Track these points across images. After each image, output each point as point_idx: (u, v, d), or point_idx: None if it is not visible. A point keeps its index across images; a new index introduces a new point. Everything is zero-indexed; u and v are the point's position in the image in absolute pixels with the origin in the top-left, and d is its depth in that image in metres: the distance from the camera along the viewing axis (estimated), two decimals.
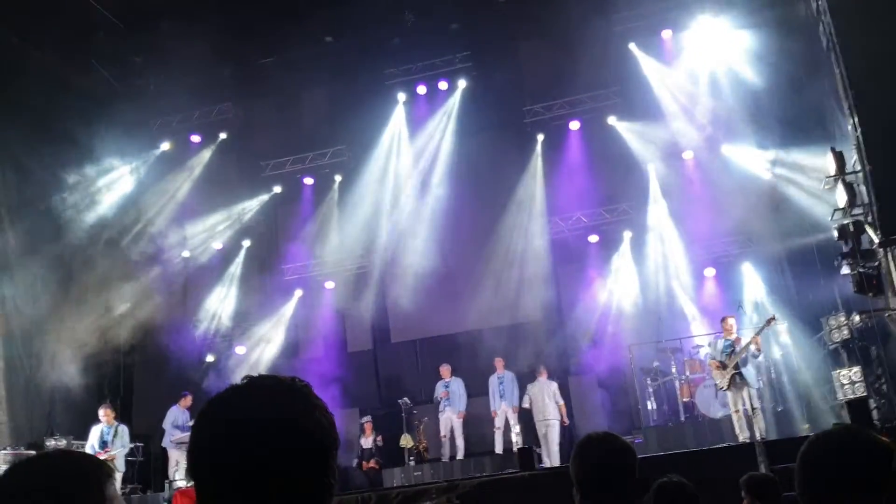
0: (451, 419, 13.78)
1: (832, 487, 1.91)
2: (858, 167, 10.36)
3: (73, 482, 1.60)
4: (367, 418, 14.28)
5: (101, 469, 1.68)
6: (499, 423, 13.67)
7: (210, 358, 16.70)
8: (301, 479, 1.29)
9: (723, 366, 10.47)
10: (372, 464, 13.58)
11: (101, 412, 12.13)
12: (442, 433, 13.82)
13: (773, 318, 10.87)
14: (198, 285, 16.87)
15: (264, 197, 17.51)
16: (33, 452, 10.24)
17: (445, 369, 14.23)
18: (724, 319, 11.00)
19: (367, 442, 13.92)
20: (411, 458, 13.55)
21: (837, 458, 1.95)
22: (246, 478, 1.26)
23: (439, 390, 14.07)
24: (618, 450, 2.62)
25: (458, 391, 13.99)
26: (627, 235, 15.82)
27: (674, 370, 13.39)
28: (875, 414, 10.81)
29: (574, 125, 16.28)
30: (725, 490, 5.11)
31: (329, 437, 1.36)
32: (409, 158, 16.64)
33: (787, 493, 3.61)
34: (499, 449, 13.45)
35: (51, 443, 12.90)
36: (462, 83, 16.70)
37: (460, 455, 13.55)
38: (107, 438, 11.70)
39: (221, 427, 1.31)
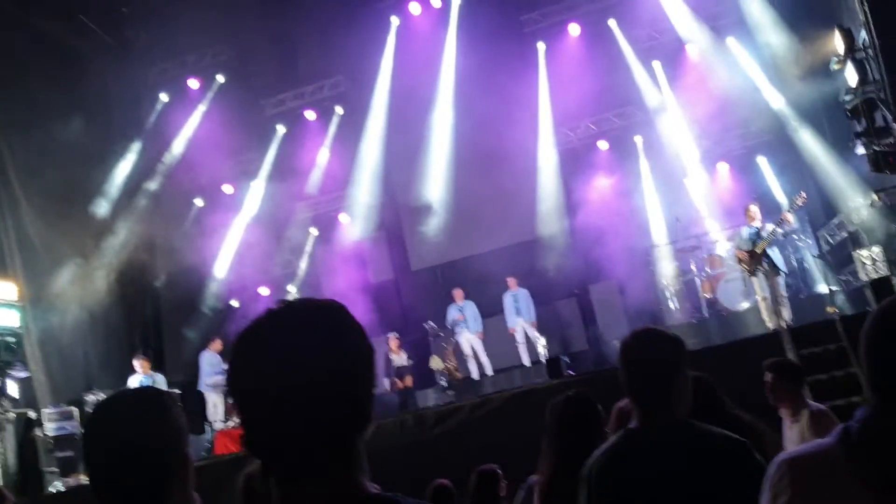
0: (470, 339, 13.91)
1: None
2: (867, 44, 10.11)
3: (157, 410, 1.69)
4: (393, 334, 14.00)
5: (170, 397, 1.79)
6: (519, 338, 13.82)
7: (234, 303, 16.89)
8: (341, 401, 1.28)
9: (750, 253, 10.43)
10: (408, 382, 13.41)
11: (137, 363, 12.40)
12: (466, 353, 14.00)
13: (804, 196, 10.69)
14: (214, 229, 16.90)
15: (271, 142, 17.38)
16: (75, 409, 10.55)
17: (458, 293, 14.30)
18: (747, 208, 10.90)
19: (398, 359, 13.68)
20: (442, 378, 13.77)
21: None
22: (285, 401, 1.25)
23: (453, 314, 14.15)
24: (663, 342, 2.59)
25: (473, 313, 14.08)
26: (639, 140, 15.66)
27: (693, 268, 13.41)
28: None
29: (574, 30, 15.94)
30: (754, 381, 5.13)
31: (368, 357, 1.34)
32: (408, 81, 16.38)
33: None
34: (525, 362, 13.65)
35: (90, 398, 13.21)
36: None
37: (489, 371, 13.76)
38: None
39: (260, 350, 1.30)
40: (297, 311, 1.35)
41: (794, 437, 4.73)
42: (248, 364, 1.30)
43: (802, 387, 5.03)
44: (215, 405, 13.15)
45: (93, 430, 1.69)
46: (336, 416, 1.26)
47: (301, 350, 1.26)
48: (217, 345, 13.91)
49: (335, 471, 1.26)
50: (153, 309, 16.49)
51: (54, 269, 13.99)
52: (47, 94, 14.22)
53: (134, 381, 12.15)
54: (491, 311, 14.33)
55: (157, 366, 13.65)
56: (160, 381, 12.27)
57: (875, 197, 10.92)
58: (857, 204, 11.74)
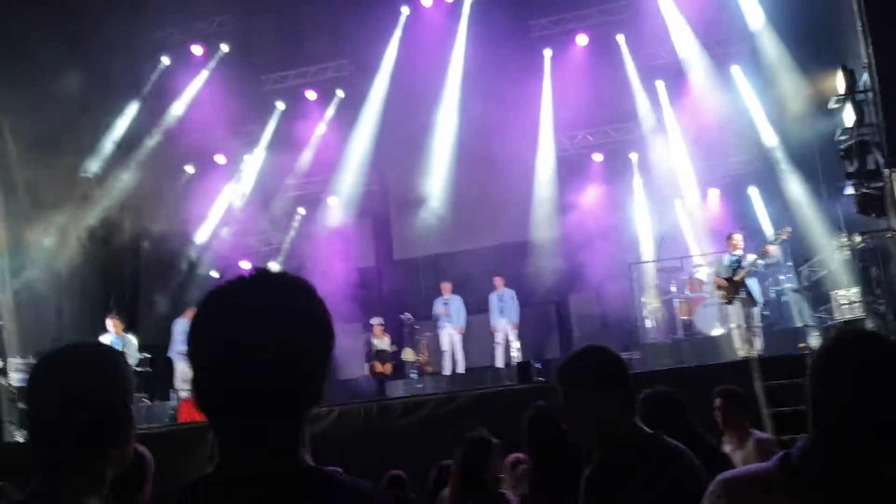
0: (451, 334, 13.99)
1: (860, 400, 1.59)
2: (868, 87, 10.21)
3: (103, 362, 1.67)
4: (378, 319, 13.96)
5: (118, 353, 1.78)
6: (499, 338, 13.89)
7: (214, 273, 16.86)
8: (297, 373, 1.29)
9: (729, 280, 10.52)
10: (387, 368, 13.38)
11: (109, 322, 12.34)
12: (443, 348, 14.04)
13: (789, 231, 10.80)
14: (202, 198, 16.84)
15: (269, 117, 17.32)
16: None
17: (446, 286, 14.37)
18: (730, 236, 10.99)
19: (380, 343, 13.63)
20: (413, 371, 13.80)
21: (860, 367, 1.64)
22: (242, 362, 1.26)
23: (438, 307, 14.23)
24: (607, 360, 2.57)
25: (458, 307, 14.16)
26: (634, 156, 15.75)
27: (673, 289, 13.50)
28: None
29: (581, 40, 16.00)
30: None
31: (328, 339, 1.36)
32: (412, 73, 16.37)
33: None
34: (499, 364, 13.71)
35: None
36: None
37: (460, 369, 13.81)
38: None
39: (227, 311, 1.31)
40: (270, 280, 1.36)
41: (738, 463, 4.84)
42: (212, 321, 1.32)
43: (748, 416, 5.23)
44: (184, 373, 13.11)
45: (35, 377, 1.65)
46: (289, 386, 1.28)
47: (266, 317, 1.28)
48: (191, 313, 13.86)
49: (278, 440, 1.27)
50: (132, 271, 16.41)
51: (37, 219, 13.88)
52: (47, 42, 14.08)
53: (104, 341, 12.08)
54: (470, 309, 14.37)
55: (131, 328, 13.56)
56: (131, 343, 12.21)
57: (858, 238, 11.03)
58: (840, 244, 11.84)
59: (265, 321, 1.28)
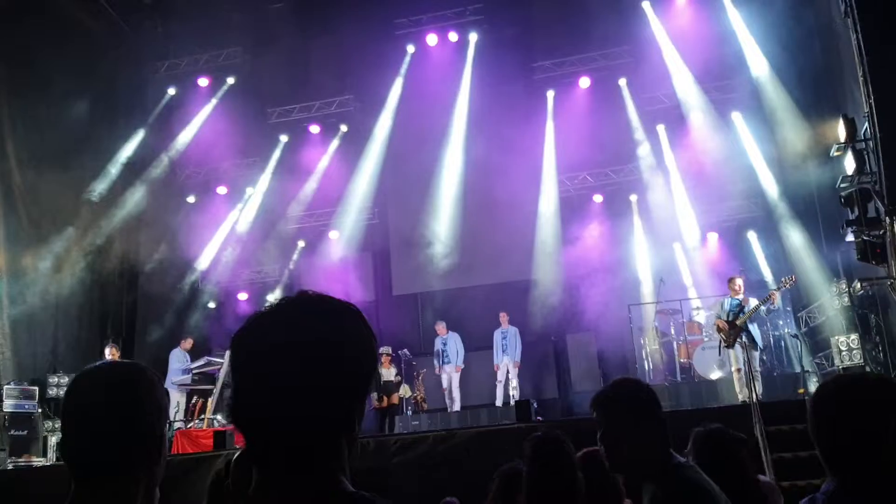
0: (449, 373, 13.93)
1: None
2: (868, 135, 10.31)
3: (143, 382, 1.66)
4: (385, 348, 13.58)
5: (156, 374, 1.75)
6: (500, 376, 13.85)
7: (211, 304, 16.83)
8: (339, 398, 1.28)
9: (730, 325, 10.51)
10: (394, 399, 13.07)
11: (108, 351, 12.29)
12: (444, 386, 13.97)
13: (793, 278, 10.83)
14: (202, 229, 16.86)
15: (272, 150, 17.42)
16: (36, 388, 10.40)
17: (440, 327, 14.30)
18: (731, 280, 10.99)
19: (387, 373, 13.30)
20: (409, 407, 13.71)
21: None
22: (288, 385, 1.25)
23: (438, 346, 14.20)
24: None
25: (454, 346, 14.09)
26: (633, 198, 15.83)
27: (672, 331, 13.49)
28: None
29: (584, 83, 16.19)
30: None
31: (372, 366, 1.35)
32: (416, 110, 16.52)
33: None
34: (499, 402, 13.63)
35: (53, 379, 13.07)
36: (473, 36, 16.56)
37: (456, 407, 13.70)
38: None
39: (274, 331, 1.30)
40: (319, 304, 1.35)
41: None
42: (259, 342, 1.30)
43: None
44: (178, 404, 13.00)
45: (75, 392, 1.64)
46: (331, 413, 1.27)
47: (313, 341, 1.28)
48: (187, 343, 13.83)
49: (320, 465, 1.27)
50: (130, 299, 16.36)
51: (37, 245, 13.88)
52: (56, 71, 14.26)
53: None
54: (467, 346, 14.34)
55: (126, 357, 13.49)
56: None
57: (858, 286, 11.05)
58: (840, 290, 11.88)
59: (315, 345, 1.28)
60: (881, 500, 1.62)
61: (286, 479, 1.26)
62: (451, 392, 13.86)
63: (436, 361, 14.08)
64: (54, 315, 14.28)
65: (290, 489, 1.25)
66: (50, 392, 12.86)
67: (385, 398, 12.94)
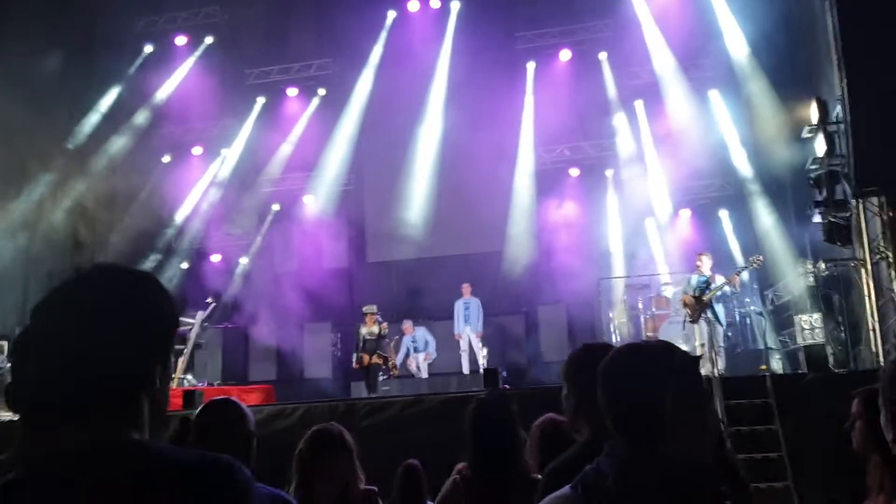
0: (417, 360, 13.84)
1: None
2: (840, 118, 10.46)
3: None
4: (370, 307, 12.86)
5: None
6: (463, 345, 13.91)
7: (184, 265, 16.79)
8: (128, 359, 1.31)
9: (696, 300, 10.68)
10: (375, 358, 12.40)
11: None
12: (412, 366, 13.92)
13: (760, 259, 10.98)
14: (176, 189, 16.76)
15: (249, 111, 17.28)
16: (4, 342, 10.32)
17: (407, 326, 14.09)
18: (699, 256, 11.13)
19: (368, 332, 12.66)
20: (380, 372, 13.78)
21: None
22: (71, 358, 1.28)
23: (406, 343, 14.02)
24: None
25: (424, 340, 13.95)
26: (609, 173, 15.94)
27: (640, 305, 13.68)
28: (831, 360, 11.21)
29: (564, 55, 16.20)
30: None
31: (160, 316, 1.38)
32: (396, 76, 16.44)
33: None
34: (465, 370, 13.76)
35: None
36: (456, 3, 16.47)
37: (423, 375, 13.70)
38: None
39: (60, 301, 1.33)
40: (108, 273, 1.39)
41: None
42: (53, 309, 1.33)
43: None
44: None
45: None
46: (117, 370, 1.30)
47: (101, 306, 1.31)
48: None
49: (99, 417, 1.29)
50: (102, 255, 16.25)
51: (9, 195, 13.74)
52: (29, 21, 13.99)
53: None
54: (440, 315, 14.43)
55: None
56: None
57: (823, 266, 11.28)
58: (806, 270, 12.10)
59: (99, 304, 1.31)
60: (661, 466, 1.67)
61: (62, 430, 1.28)
62: (418, 369, 13.83)
63: (409, 359, 13.97)
64: (24, 267, 14.17)
65: (64, 440, 1.27)
66: None
67: (366, 355, 12.47)
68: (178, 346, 13.29)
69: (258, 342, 15.95)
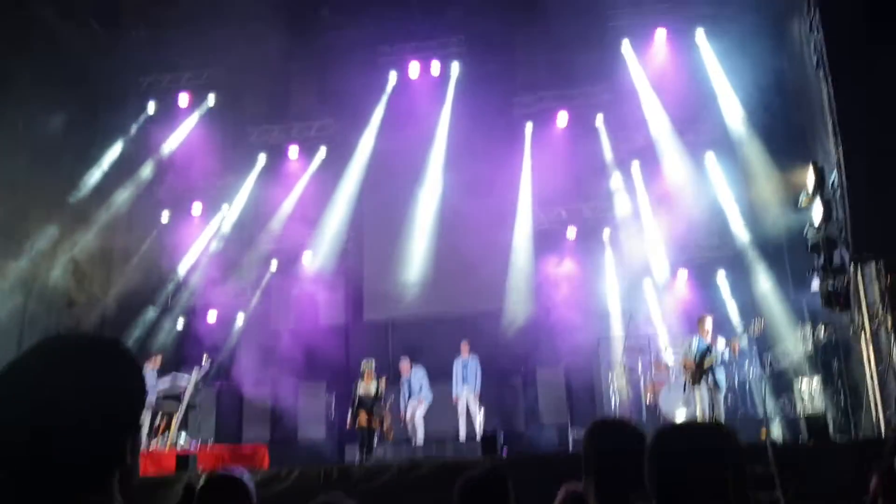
0: (413, 406, 13.70)
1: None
2: (836, 185, 10.54)
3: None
4: (368, 362, 12.64)
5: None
6: (461, 408, 13.73)
7: (181, 322, 16.71)
8: (97, 437, 1.28)
9: (697, 365, 10.62)
10: (374, 422, 11.92)
11: None
12: (406, 418, 13.77)
13: (761, 324, 10.94)
14: (175, 247, 16.78)
15: (250, 169, 17.40)
16: None
17: (405, 367, 13.97)
18: (701, 320, 11.10)
19: (366, 389, 12.30)
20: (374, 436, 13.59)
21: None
22: (39, 438, 1.23)
23: (403, 387, 13.95)
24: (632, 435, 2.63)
25: (419, 382, 13.83)
26: (606, 232, 16.01)
27: (640, 368, 13.60)
28: (831, 426, 11.10)
29: (562, 118, 16.42)
30: None
31: (129, 402, 1.34)
32: (396, 137, 16.62)
33: None
34: (462, 436, 13.54)
35: None
36: (455, 67, 16.76)
37: (420, 436, 13.48)
38: None
39: (24, 376, 1.28)
40: (69, 345, 1.35)
41: None
42: (11, 389, 1.28)
43: None
44: (143, 423, 12.87)
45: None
46: (89, 449, 1.27)
47: (65, 384, 1.27)
48: (155, 362, 13.71)
49: (69, 497, 1.25)
50: (98, 315, 16.17)
51: (6, 254, 13.72)
52: (33, 78, 14.17)
53: None
54: (437, 375, 14.28)
55: None
56: None
57: (823, 331, 11.24)
58: (805, 335, 12.07)
59: (62, 389, 1.26)
60: None
61: None
62: (413, 424, 13.63)
63: (402, 401, 13.91)
64: (18, 326, 14.08)
65: None
66: None
67: (363, 414, 12.09)
68: (172, 405, 13.16)
69: (253, 402, 15.78)
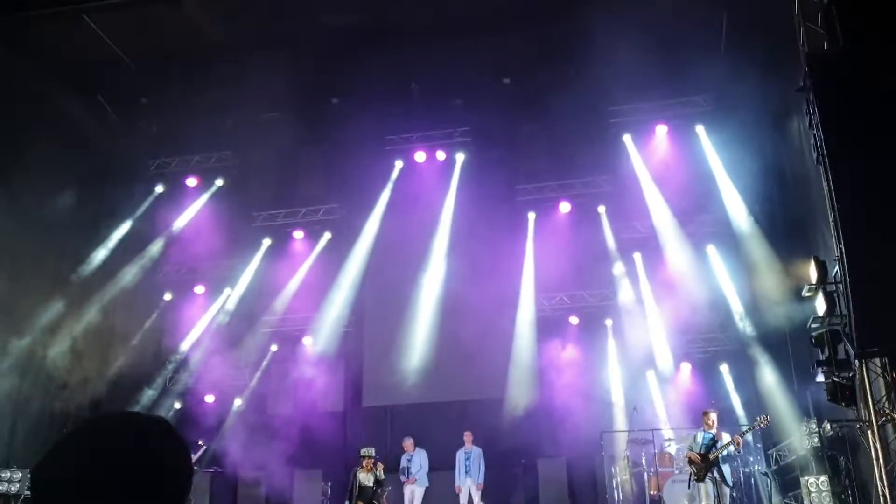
0: (412, 490, 13.54)
1: None
2: (839, 278, 10.57)
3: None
4: (368, 451, 12.63)
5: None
6: (463, 499, 13.49)
7: (177, 405, 16.51)
8: None
9: (703, 458, 10.45)
10: None
11: None
12: (405, 501, 13.57)
13: (766, 419, 10.82)
14: (175, 328, 16.73)
15: (254, 252, 17.50)
16: None
17: (408, 444, 14.00)
18: (706, 413, 10.99)
19: (366, 479, 12.16)
20: None
21: None
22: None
23: (403, 462, 13.87)
24: None
25: (419, 463, 13.74)
26: (609, 323, 15.98)
27: (644, 461, 13.36)
28: None
29: (564, 207, 16.62)
30: None
31: (179, 480, 1.34)
32: (400, 223, 16.80)
33: None
34: None
35: (6, 474, 12.64)
36: (460, 156, 17.07)
37: None
38: None
39: (74, 454, 1.29)
40: (121, 424, 1.36)
41: None
42: (62, 470, 1.28)
43: None
44: None
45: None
46: None
47: (115, 463, 1.27)
48: None
49: None
50: (95, 395, 15.98)
51: (7, 333, 13.67)
52: (42, 155, 14.42)
53: None
54: (437, 464, 14.04)
55: None
56: None
57: (828, 427, 11.10)
58: (810, 430, 11.91)
59: (111, 466, 1.27)
60: None
61: None
62: None
63: (401, 476, 13.77)
64: (14, 406, 13.93)
65: None
66: (0, 488, 12.41)
67: None
68: None
69: (247, 489, 15.44)
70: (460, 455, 13.75)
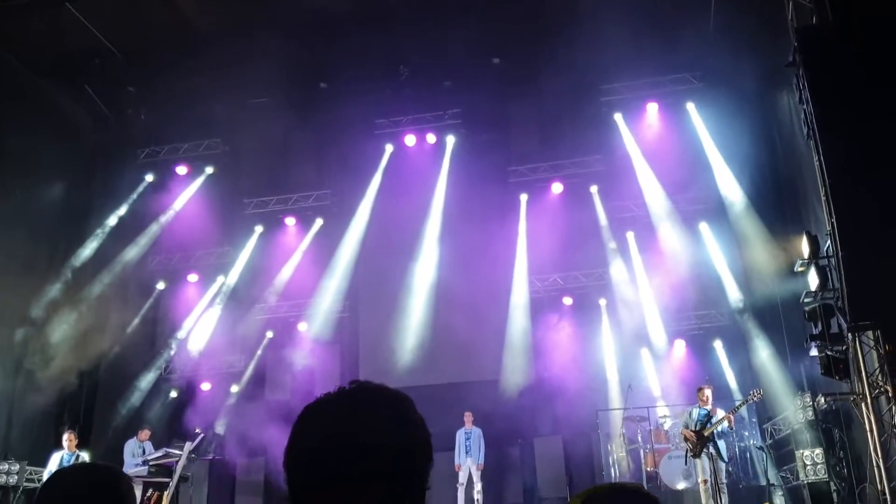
0: None
1: None
2: (831, 253, 10.61)
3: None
4: None
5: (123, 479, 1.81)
6: (462, 478, 13.55)
7: (173, 393, 16.51)
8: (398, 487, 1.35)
9: (697, 434, 10.52)
10: None
11: (65, 437, 11.93)
12: None
13: (759, 393, 10.88)
14: (170, 317, 16.71)
15: (246, 240, 17.46)
16: None
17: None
18: (700, 389, 11.04)
19: None
20: None
21: None
22: (345, 478, 1.31)
23: None
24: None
25: None
26: (603, 302, 16.01)
27: (639, 438, 13.44)
28: (835, 497, 10.95)
29: (556, 188, 16.60)
30: None
31: (422, 447, 1.46)
32: (392, 207, 16.76)
33: None
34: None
35: (3, 466, 12.64)
36: (451, 139, 17.01)
37: None
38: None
39: (322, 421, 1.39)
40: (367, 392, 1.45)
41: None
42: (314, 431, 1.38)
43: None
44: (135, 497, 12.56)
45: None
46: (377, 491, 1.33)
47: (359, 427, 1.36)
48: (144, 434, 13.48)
49: None
50: (90, 385, 15.98)
51: (4, 325, 13.66)
52: (31, 150, 14.33)
53: (57, 457, 11.65)
54: (433, 446, 14.04)
55: (83, 445, 13.11)
56: (85, 460, 11.77)
57: (822, 400, 11.17)
58: (804, 404, 11.99)
59: (361, 431, 1.35)
60: None
61: None
62: None
63: None
64: (8, 398, 13.92)
65: None
66: None
67: None
68: (163, 479, 12.88)
69: (245, 475, 15.48)
70: (460, 435, 13.82)
